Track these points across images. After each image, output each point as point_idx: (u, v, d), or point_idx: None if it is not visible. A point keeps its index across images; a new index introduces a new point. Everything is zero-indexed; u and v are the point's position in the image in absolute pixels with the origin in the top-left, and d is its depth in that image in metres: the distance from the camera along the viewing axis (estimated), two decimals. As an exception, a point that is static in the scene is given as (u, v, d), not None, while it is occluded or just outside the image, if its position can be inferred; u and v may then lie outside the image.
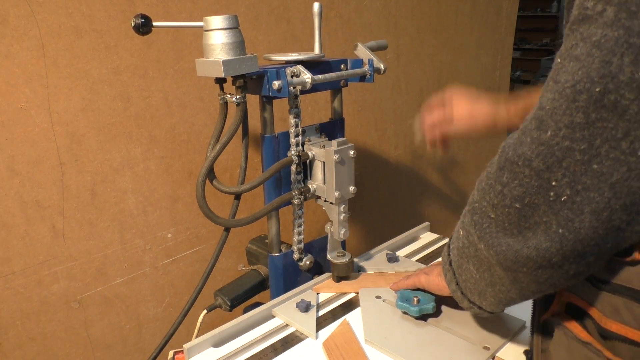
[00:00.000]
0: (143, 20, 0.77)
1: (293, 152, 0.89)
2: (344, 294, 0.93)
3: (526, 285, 0.54)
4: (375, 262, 1.03)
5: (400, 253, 1.08)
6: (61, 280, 1.09)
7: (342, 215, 0.92)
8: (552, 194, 0.46)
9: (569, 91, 0.43)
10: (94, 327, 1.17)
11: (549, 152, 0.45)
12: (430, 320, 0.82)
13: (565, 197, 0.45)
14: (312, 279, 0.98)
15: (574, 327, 0.56)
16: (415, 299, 0.82)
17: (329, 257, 0.95)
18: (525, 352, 0.73)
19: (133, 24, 0.77)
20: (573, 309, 0.57)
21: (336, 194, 0.88)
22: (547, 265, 0.49)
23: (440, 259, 0.84)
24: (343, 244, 0.97)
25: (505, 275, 0.55)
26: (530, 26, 7.97)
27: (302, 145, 0.90)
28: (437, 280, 0.77)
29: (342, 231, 0.93)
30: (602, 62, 0.41)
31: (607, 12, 0.42)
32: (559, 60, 0.46)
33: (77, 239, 1.10)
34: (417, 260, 1.05)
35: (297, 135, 0.88)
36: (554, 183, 0.46)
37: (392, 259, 1.03)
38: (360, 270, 1.01)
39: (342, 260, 0.93)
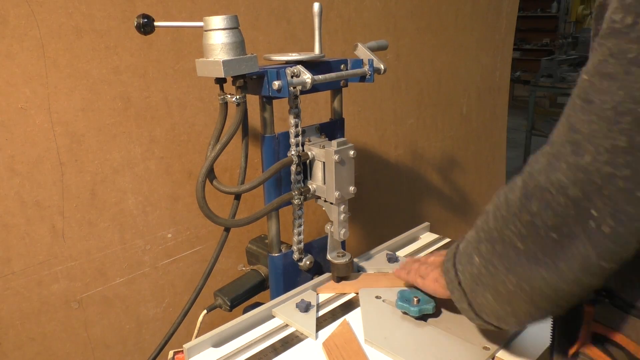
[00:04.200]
0: (145, 20, 0.77)
1: (293, 152, 0.89)
2: (344, 294, 0.93)
3: (555, 309, 0.52)
4: (375, 262, 1.03)
5: (400, 253, 1.08)
6: (61, 280, 1.09)
7: (342, 216, 0.92)
8: (592, 223, 0.43)
9: (610, 113, 0.40)
10: (94, 327, 1.17)
11: (587, 179, 0.42)
12: (430, 320, 0.82)
13: (609, 228, 0.42)
14: (312, 279, 0.98)
15: (600, 357, 0.54)
16: (415, 299, 0.82)
17: (329, 257, 0.95)
18: None
19: (135, 24, 0.78)
20: (599, 339, 0.55)
21: (336, 194, 0.88)
22: (583, 295, 0.47)
23: (433, 257, 0.83)
24: (343, 244, 0.97)
25: (533, 306, 0.52)
26: (530, 26, 7.97)
27: (302, 146, 0.90)
28: (433, 287, 0.76)
29: (342, 231, 0.93)
30: None
31: (638, 26, 0.38)
32: (585, 77, 0.42)
33: (77, 239, 1.10)
34: (417, 261, 1.05)
35: (297, 136, 0.88)
36: (593, 212, 0.42)
37: (392, 259, 1.03)
38: (360, 270, 1.01)
39: (342, 261, 0.93)
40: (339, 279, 0.95)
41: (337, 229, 0.92)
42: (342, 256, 0.94)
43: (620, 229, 0.41)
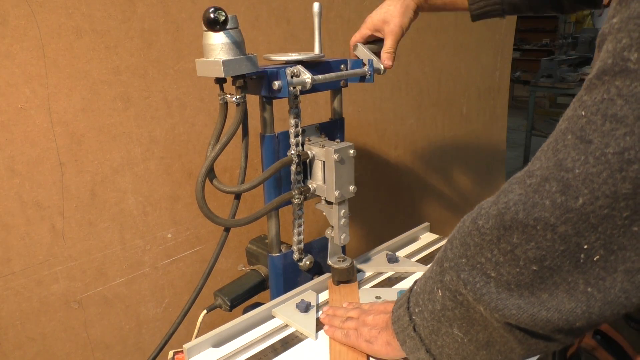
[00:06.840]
0: (224, 17, 0.69)
1: (293, 152, 0.89)
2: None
3: (535, 344, 0.48)
4: (375, 262, 1.03)
5: (400, 253, 1.08)
6: (61, 280, 1.09)
7: (343, 220, 0.92)
8: (582, 256, 0.41)
9: (614, 159, 0.37)
10: (94, 327, 1.17)
11: (580, 219, 0.39)
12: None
13: (598, 256, 0.40)
14: (312, 279, 0.98)
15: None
16: (415, 299, 0.81)
17: (329, 262, 0.94)
18: None
19: (212, 17, 0.68)
20: (605, 340, 0.53)
21: (336, 193, 0.88)
22: (568, 330, 0.44)
23: (370, 315, 0.73)
24: (343, 246, 0.97)
25: (512, 337, 0.48)
26: (530, 26, 7.98)
27: (302, 145, 0.90)
28: (385, 351, 0.67)
29: (343, 236, 0.93)
30: None
31: None
32: (582, 113, 0.39)
33: (77, 239, 1.10)
34: (417, 261, 1.05)
35: (297, 135, 0.88)
36: (585, 246, 0.40)
37: (392, 259, 1.03)
38: (360, 270, 1.01)
39: (343, 265, 0.93)
40: (339, 284, 0.95)
41: (337, 233, 0.92)
42: (343, 261, 0.94)
43: (611, 256, 0.40)
